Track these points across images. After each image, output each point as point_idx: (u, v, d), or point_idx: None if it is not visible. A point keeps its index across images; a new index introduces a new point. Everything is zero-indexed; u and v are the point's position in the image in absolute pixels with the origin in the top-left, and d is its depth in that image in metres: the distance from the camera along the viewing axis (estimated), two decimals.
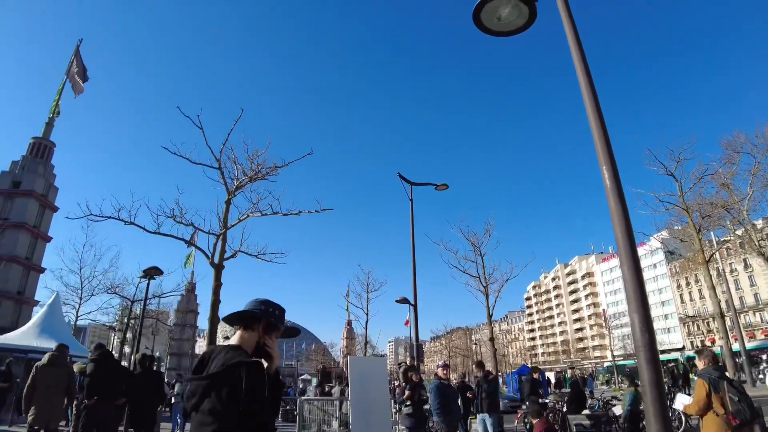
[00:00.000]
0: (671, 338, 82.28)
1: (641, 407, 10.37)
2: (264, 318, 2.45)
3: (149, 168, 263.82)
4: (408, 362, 12.80)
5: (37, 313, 25.54)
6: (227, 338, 2.85)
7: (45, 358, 7.75)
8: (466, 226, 23.03)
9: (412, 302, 19.82)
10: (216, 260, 11.10)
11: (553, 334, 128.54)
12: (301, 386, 40.31)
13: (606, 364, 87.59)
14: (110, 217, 10.93)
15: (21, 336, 21.13)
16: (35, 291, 46.44)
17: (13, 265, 42.62)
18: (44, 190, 47.69)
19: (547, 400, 15.49)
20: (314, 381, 39.88)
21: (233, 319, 2.48)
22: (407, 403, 10.45)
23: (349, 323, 73.91)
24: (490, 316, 22.25)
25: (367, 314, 32.26)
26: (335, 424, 10.86)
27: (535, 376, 17.37)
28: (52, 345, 18.66)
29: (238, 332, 2.45)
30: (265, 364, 2.29)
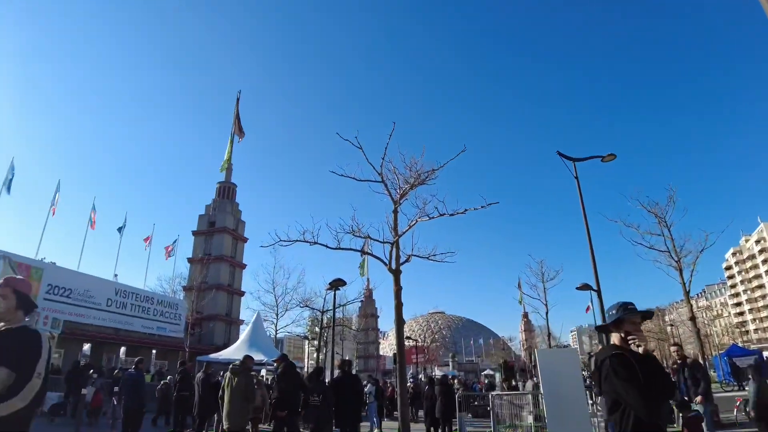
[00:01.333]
0: None
1: None
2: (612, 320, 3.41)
3: (319, 191, 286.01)
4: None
5: (244, 331, 29.22)
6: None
7: (230, 369, 8.84)
8: (644, 197, 20.65)
9: (594, 287, 18.51)
10: (393, 266, 11.54)
11: (766, 306, 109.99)
12: (487, 381, 40.24)
13: None
14: (297, 240, 11.98)
15: (234, 351, 24.38)
16: (240, 312, 53.37)
17: (220, 291, 49.57)
18: (234, 225, 54.97)
19: None
20: (497, 376, 39.47)
21: (601, 329, 3.89)
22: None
23: (525, 315, 71.98)
24: (687, 292, 19.70)
25: (545, 304, 30.81)
26: (529, 418, 10.53)
27: None
28: (260, 357, 21.15)
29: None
30: (640, 348, 3.15)
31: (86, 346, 36.08)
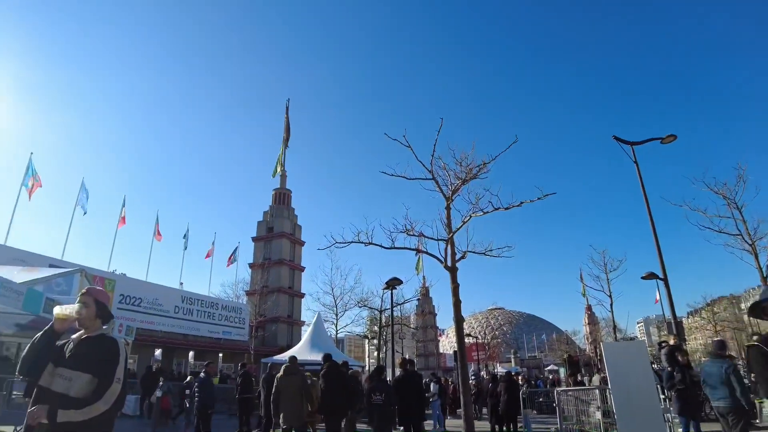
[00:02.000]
0: None
1: None
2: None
3: (371, 193, 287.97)
4: (672, 341, 11.34)
5: (306, 332, 29.87)
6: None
7: (282, 370, 9.13)
8: (710, 178, 19.49)
9: (661, 276, 17.68)
10: (449, 263, 11.46)
11: None
12: (551, 377, 39.26)
13: None
14: (352, 242, 12.13)
15: (297, 352, 24.90)
16: (301, 313, 54.66)
17: (281, 294, 51.08)
18: (291, 229, 56.40)
19: None
20: (562, 371, 38.44)
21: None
22: (677, 387, 9.29)
23: (589, 308, 69.60)
24: (764, 278, 18.51)
25: (609, 296, 29.68)
26: (597, 414, 10.19)
27: None
28: (320, 357, 21.55)
29: None
30: None
31: (157, 352, 37.95)
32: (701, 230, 19.01)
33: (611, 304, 29.78)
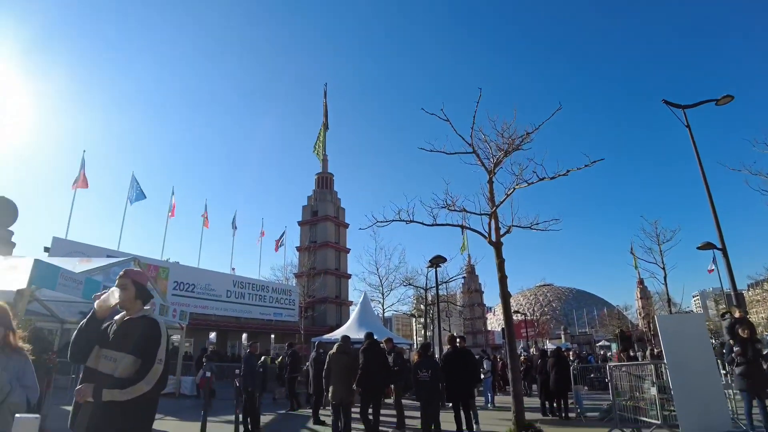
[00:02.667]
0: None
1: None
2: None
3: (412, 171, 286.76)
4: (737, 314, 10.80)
5: (354, 312, 30.33)
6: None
7: (334, 348, 9.36)
8: None
9: (719, 246, 16.87)
10: (493, 239, 11.25)
11: None
12: (602, 353, 38.52)
13: None
14: (393, 220, 12.02)
15: (345, 331, 25.34)
16: (348, 294, 55.85)
17: (328, 275, 52.10)
18: (335, 212, 57.34)
19: None
20: (614, 346, 37.61)
21: None
22: (738, 362, 8.90)
23: (641, 282, 67.54)
24: None
25: (663, 268, 28.54)
26: (652, 390, 9.90)
27: None
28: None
29: None
30: None
31: (212, 335, 39.51)
32: (763, 195, 17.89)
33: (665, 277, 28.70)
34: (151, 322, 3.25)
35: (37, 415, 2.42)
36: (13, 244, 20.38)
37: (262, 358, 13.19)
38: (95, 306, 3.17)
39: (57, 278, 8.64)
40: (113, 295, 3.18)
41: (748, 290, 65.92)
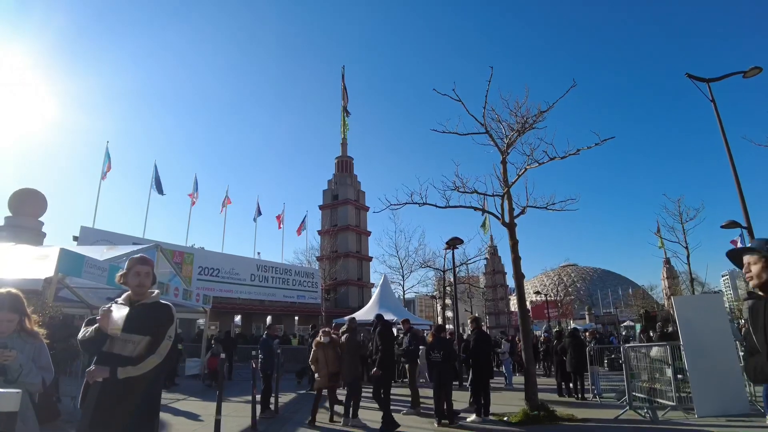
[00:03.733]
0: None
1: None
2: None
3: (424, 152, 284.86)
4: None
5: (374, 294, 30.65)
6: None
7: (344, 328, 9.81)
8: None
9: (744, 224, 16.47)
10: (507, 219, 11.23)
11: None
12: (624, 333, 38.13)
13: None
14: (406, 203, 12.01)
15: (366, 312, 25.78)
16: (369, 276, 56.28)
17: (349, 259, 52.73)
18: (355, 196, 57.60)
19: None
20: (638, 327, 37.21)
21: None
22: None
23: (667, 261, 66.30)
24: None
25: (686, 247, 28.01)
26: (668, 371, 9.85)
27: None
28: (389, 316, 22.12)
29: None
30: None
31: (237, 318, 40.35)
32: None
33: (688, 257, 28.20)
34: (166, 306, 3.50)
35: (19, 390, 2.58)
36: (44, 234, 21.10)
37: (276, 340, 13.45)
38: (103, 327, 3.22)
39: (82, 266, 8.97)
40: (120, 317, 3.24)
41: None
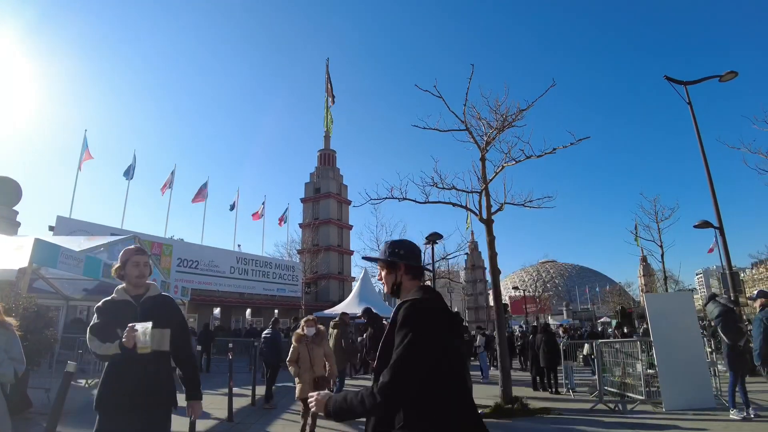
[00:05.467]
0: None
1: None
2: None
3: (406, 147, 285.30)
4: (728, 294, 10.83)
5: (354, 288, 30.75)
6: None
7: (331, 324, 9.97)
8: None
9: (716, 224, 16.88)
10: (484, 216, 11.33)
11: None
12: (600, 329, 38.89)
13: None
14: (386, 198, 12.04)
15: (346, 306, 25.86)
16: (351, 270, 56.23)
17: (331, 252, 52.50)
18: (337, 189, 57.22)
19: None
20: (614, 323, 37.96)
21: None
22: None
23: (644, 259, 67.58)
24: None
25: (660, 246, 28.61)
26: (638, 366, 10.10)
27: None
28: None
29: None
30: None
31: (216, 310, 40.06)
32: (760, 174, 17.79)
33: (662, 255, 28.82)
34: (170, 299, 3.59)
35: None
36: (18, 224, 20.70)
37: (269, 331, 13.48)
38: (128, 345, 3.01)
39: (58, 256, 8.79)
40: (145, 331, 3.05)
41: (751, 269, 65.84)
